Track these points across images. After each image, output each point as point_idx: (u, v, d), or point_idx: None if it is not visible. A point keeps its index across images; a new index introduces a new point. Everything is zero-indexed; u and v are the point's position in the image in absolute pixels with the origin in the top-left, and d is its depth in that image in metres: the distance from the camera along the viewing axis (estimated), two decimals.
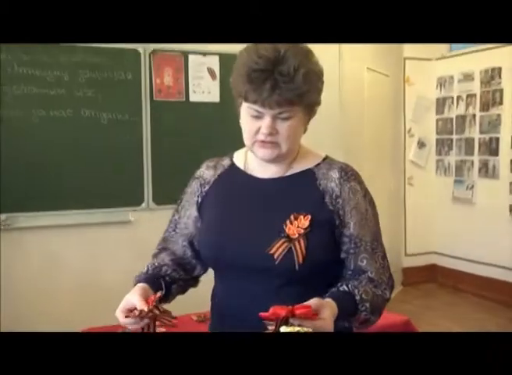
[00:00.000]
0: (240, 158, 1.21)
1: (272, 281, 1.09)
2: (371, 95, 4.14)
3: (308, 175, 1.16)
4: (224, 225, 1.18)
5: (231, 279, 1.16)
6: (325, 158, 1.19)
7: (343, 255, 1.14)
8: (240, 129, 1.15)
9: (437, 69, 4.77)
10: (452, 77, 4.64)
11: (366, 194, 1.15)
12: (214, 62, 3.18)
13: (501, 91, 4.10)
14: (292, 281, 1.09)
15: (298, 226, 1.10)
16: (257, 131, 1.09)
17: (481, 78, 4.29)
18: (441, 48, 4.57)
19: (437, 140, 4.82)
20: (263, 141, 1.09)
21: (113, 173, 2.94)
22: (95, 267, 2.84)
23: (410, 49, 4.51)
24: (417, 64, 4.71)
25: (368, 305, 1.08)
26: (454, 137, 4.64)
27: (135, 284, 1.16)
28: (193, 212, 1.24)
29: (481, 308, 4.14)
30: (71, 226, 2.88)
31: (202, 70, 3.17)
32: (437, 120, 4.80)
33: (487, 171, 4.31)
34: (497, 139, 4.17)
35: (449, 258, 4.77)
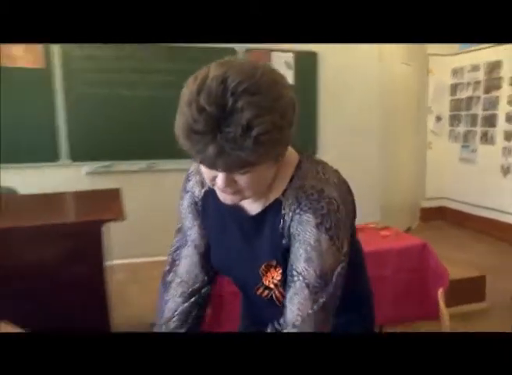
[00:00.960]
0: None
1: (268, 303, 0.98)
2: (403, 83, 4.85)
3: (276, 208, 0.93)
4: (221, 254, 1.05)
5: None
6: (293, 176, 0.93)
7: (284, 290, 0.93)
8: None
9: (452, 63, 5.29)
10: (463, 68, 5.16)
11: (323, 222, 0.87)
12: (290, 57, 4.23)
13: (500, 78, 4.64)
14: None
15: (272, 278, 0.96)
16: (214, 179, 0.85)
17: (484, 69, 4.84)
18: (455, 46, 5.08)
19: (450, 115, 5.40)
20: (223, 193, 0.88)
21: None
22: None
23: (432, 47, 5.08)
24: (437, 59, 5.27)
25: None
26: (463, 113, 5.20)
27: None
28: (198, 224, 1.08)
29: (481, 241, 4.70)
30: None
31: (281, 63, 4.18)
32: (450, 101, 5.38)
33: (486, 139, 4.89)
34: (495, 115, 4.73)
35: (457, 202, 5.41)
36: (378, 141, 4.62)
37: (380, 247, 2.33)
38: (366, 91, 4.55)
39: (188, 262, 1.10)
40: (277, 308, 0.96)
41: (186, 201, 1.08)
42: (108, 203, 2.50)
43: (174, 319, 1.09)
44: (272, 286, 0.97)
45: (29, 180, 3.48)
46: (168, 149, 3.87)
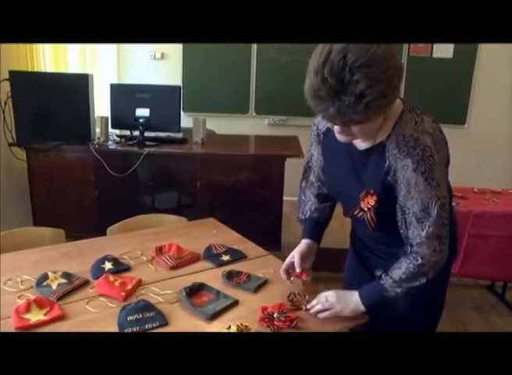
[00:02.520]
0: None
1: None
2: None
3: (381, 149, 1.15)
4: (332, 185, 1.36)
5: None
6: (396, 124, 1.13)
7: (398, 223, 1.19)
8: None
9: None
10: None
11: (418, 165, 1.09)
12: None
13: None
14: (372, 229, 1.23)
15: (368, 203, 1.19)
16: (333, 125, 1.12)
17: None
18: None
19: None
20: (340, 135, 1.15)
21: None
22: None
23: None
24: None
25: (397, 293, 1.18)
26: None
27: (302, 237, 1.41)
28: (318, 150, 1.38)
29: None
30: None
31: None
32: None
33: None
34: None
35: None
36: None
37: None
38: None
39: (314, 173, 1.44)
40: (369, 231, 1.24)
41: (312, 132, 1.38)
42: (288, 145, 3.38)
43: (312, 213, 1.44)
44: (366, 209, 1.20)
45: (224, 126, 4.64)
46: None
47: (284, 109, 4.86)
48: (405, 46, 4.67)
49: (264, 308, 1.29)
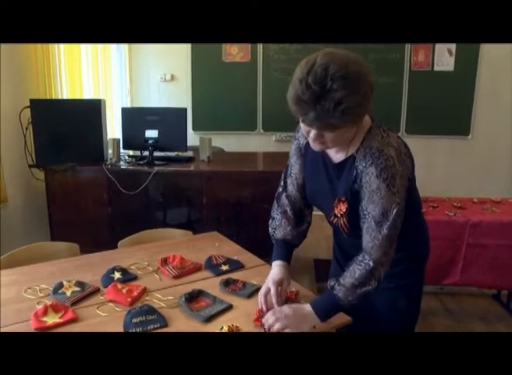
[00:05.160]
0: None
1: None
2: None
3: (351, 161, 1.28)
4: (311, 193, 1.47)
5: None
6: (364, 139, 1.26)
7: (361, 225, 1.29)
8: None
9: None
10: None
11: (382, 172, 1.20)
12: (452, 45, 4.80)
13: None
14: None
15: (340, 209, 1.32)
16: (308, 133, 1.23)
17: None
18: None
19: None
20: (314, 143, 1.26)
21: None
22: None
23: None
24: None
25: (345, 290, 1.25)
26: None
27: (273, 260, 1.50)
28: (300, 162, 1.50)
29: None
30: None
31: (444, 51, 4.80)
32: None
33: None
34: None
35: None
36: None
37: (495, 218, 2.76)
38: None
39: (292, 187, 1.54)
40: (345, 236, 1.37)
41: (294, 146, 1.50)
42: None
43: (286, 236, 1.51)
44: (339, 215, 1.33)
45: (233, 143, 4.82)
46: None
47: (290, 126, 5.00)
48: (406, 61, 4.82)
49: (259, 311, 1.42)
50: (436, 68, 4.80)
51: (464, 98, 4.92)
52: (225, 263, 1.83)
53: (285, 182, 1.56)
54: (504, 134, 4.98)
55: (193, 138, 4.36)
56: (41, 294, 1.57)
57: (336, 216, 1.33)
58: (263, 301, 1.40)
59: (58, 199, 3.34)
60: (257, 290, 1.60)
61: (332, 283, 1.32)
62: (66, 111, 3.25)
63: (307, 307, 1.30)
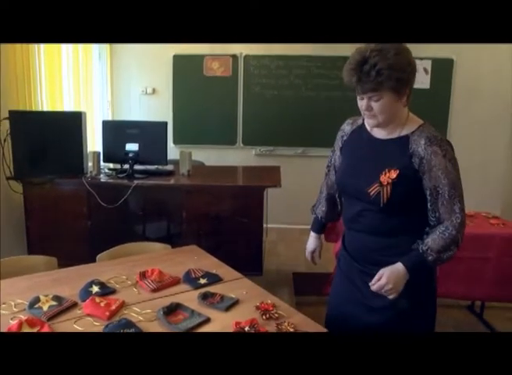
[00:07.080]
0: None
1: (366, 206, 1.50)
2: None
3: (404, 140, 1.44)
4: (348, 168, 1.60)
5: (348, 200, 1.62)
6: (420, 126, 1.45)
7: (428, 204, 1.44)
8: None
9: None
10: None
11: (446, 154, 1.38)
12: (428, 64, 4.96)
13: None
14: (378, 210, 1.47)
15: (388, 177, 1.42)
16: (362, 106, 1.45)
17: None
18: None
19: None
20: (366, 114, 1.47)
21: None
22: None
23: None
24: None
25: (434, 254, 1.42)
26: None
27: (311, 230, 1.90)
28: (338, 153, 1.69)
29: None
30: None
31: (420, 69, 4.87)
32: None
33: None
34: None
35: None
36: (506, 141, 5.04)
37: (486, 231, 2.85)
38: (498, 98, 4.95)
39: (331, 175, 1.77)
40: (364, 212, 1.52)
41: (338, 136, 1.70)
42: (269, 175, 3.63)
43: (322, 217, 1.85)
44: (385, 183, 1.43)
45: (213, 157, 4.85)
46: (318, 139, 4.72)
47: (270, 140, 5.10)
48: None
49: (237, 323, 1.44)
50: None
51: (440, 114, 5.06)
52: (203, 277, 1.85)
53: (328, 171, 1.81)
54: (477, 149, 5.12)
55: (173, 152, 4.38)
56: (16, 309, 1.56)
57: (380, 184, 1.43)
58: (310, 257, 1.90)
59: (36, 212, 3.31)
60: (236, 303, 1.63)
61: (422, 247, 1.44)
62: (46, 123, 3.24)
63: (401, 267, 1.45)
